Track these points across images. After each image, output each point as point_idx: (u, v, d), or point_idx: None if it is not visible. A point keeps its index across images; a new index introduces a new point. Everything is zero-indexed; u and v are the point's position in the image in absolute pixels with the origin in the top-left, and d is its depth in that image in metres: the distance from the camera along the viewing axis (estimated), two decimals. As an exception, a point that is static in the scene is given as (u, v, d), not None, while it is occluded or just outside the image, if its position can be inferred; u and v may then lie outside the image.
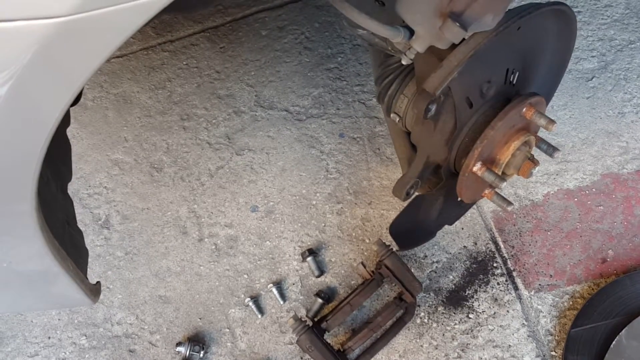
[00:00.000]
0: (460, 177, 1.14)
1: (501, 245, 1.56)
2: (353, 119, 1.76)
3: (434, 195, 1.26)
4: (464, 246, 1.57)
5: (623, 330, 1.34)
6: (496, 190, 1.19)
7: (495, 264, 1.54)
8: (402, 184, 1.16)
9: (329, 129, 1.76)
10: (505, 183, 1.12)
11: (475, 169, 1.13)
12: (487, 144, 1.11)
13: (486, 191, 1.19)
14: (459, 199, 1.21)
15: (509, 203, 1.19)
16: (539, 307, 1.49)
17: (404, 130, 1.24)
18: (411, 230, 1.36)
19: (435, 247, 1.58)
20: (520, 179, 1.63)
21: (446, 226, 1.57)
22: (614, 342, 1.33)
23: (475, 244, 1.57)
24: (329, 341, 1.47)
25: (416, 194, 1.23)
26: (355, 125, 1.75)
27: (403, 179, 1.16)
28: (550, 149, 1.18)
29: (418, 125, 1.14)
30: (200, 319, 1.55)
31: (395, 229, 1.32)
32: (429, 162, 1.16)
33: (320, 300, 1.53)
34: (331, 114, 1.77)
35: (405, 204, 1.26)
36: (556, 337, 1.45)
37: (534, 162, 1.16)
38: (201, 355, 1.49)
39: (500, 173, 1.16)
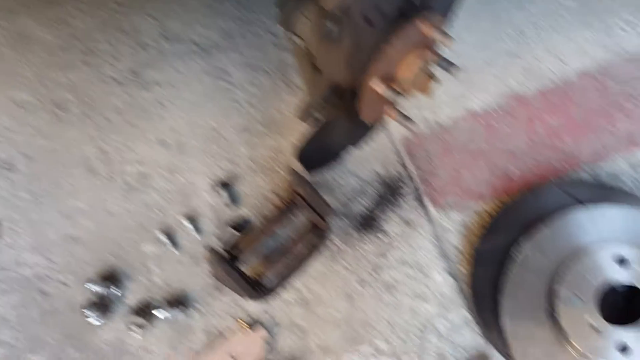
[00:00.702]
0: (360, 96, 1.17)
1: (410, 168, 1.60)
2: (262, 49, 1.76)
3: (339, 117, 1.28)
4: (375, 170, 1.61)
5: (525, 242, 1.40)
6: (398, 108, 1.21)
7: (405, 187, 1.58)
8: (306, 107, 1.17)
9: (238, 60, 1.75)
10: (404, 99, 1.15)
11: (375, 86, 1.15)
12: (384, 61, 1.14)
13: (389, 110, 1.22)
14: (363, 120, 1.23)
15: (412, 121, 1.22)
16: (448, 225, 1.54)
17: (307, 53, 1.25)
18: (317, 153, 1.38)
19: (347, 173, 1.61)
20: (428, 103, 1.67)
21: (358, 153, 1.60)
22: (516, 253, 1.39)
23: (386, 167, 1.61)
24: (244, 271, 1.49)
25: (321, 117, 1.24)
26: (265, 56, 1.75)
27: (307, 102, 1.18)
28: (450, 66, 1.21)
29: (319, 46, 1.16)
30: (113, 257, 1.56)
31: (301, 153, 1.34)
32: (332, 84, 1.18)
33: (234, 232, 1.55)
34: (240, 45, 1.77)
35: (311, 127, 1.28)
36: (464, 253, 1.50)
37: (433, 78, 1.19)
38: (116, 292, 1.49)
39: (399, 90, 1.18)
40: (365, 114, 1.23)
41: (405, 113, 1.29)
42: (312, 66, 1.26)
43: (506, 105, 1.64)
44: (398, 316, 1.49)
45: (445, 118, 1.66)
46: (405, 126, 1.23)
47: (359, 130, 1.43)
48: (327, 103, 1.18)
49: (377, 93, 1.17)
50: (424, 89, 1.20)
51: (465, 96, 1.66)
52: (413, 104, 1.66)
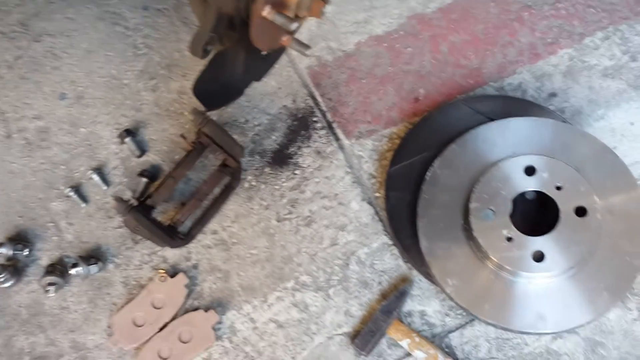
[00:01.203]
0: (251, 24, 1.09)
1: (319, 99, 1.55)
2: (155, -11, 1.65)
3: (235, 49, 1.21)
4: (284, 105, 1.55)
5: (435, 161, 1.37)
6: (293, 35, 1.14)
7: (315, 119, 1.54)
8: (197, 40, 1.10)
9: (131, 2, 1.65)
10: (297, 24, 1.09)
11: (264, 13, 1.08)
12: (272, -14, 1.07)
13: (283, 37, 1.16)
14: (261, 51, 1.16)
15: (307, 47, 1.17)
16: (360, 153, 1.50)
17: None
18: (217, 89, 1.31)
19: (255, 109, 1.55)
20: (332, 32, 1.62)
21: (265, 89, 1.54)
22: (428, 173, 1.36)
23: (294, 101, 1.55)
24: (158, 218, 1.42)
25: (215, 50, 1.17)
26: (159, -4, 1.64)
27: (197, 35, 1.10)
28: (342, -11, 1.15)
29: None
30: (20, 217, 1.47)
31: (199, 90, 1.27)
32: (221, 14, 1.11)
33: (144, 180, 1.48)
34: (132, -14, 1.65)
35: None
36: (379, 179, 1.47)
37: (324, 0, 1.13)
38: (26, 253, 1.41)
39: (292, 16, 1.11)
40: (259, 42, 1.16)
41: (300, 39, 1.22)
42: (201, -3, 1.18)
43: (408, 26, 1.60)
44: (319, 249, 1.47)
45: (350, 45, 1.61)
46: (301, 52, 1.17)
47: (259, 62, 1.37)
48: (217, 34, 1.10)
49: (267, 19, 1.10)
50: (316, 12, 1.14)
51: (368, 21, 1.61)
52: (317, 35, 1.62)
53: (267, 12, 1.09)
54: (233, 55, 1.23)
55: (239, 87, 1.41)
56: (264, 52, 1.23)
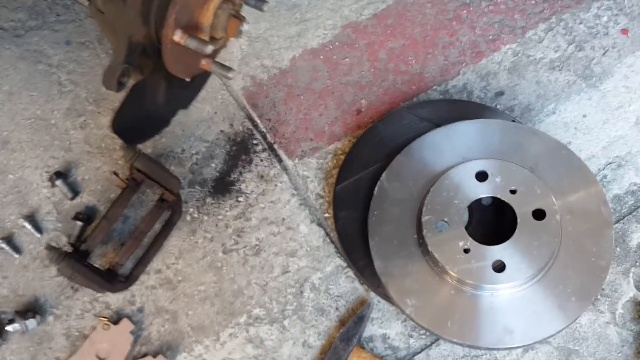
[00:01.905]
0: (163, 51, 0.96)
1: (257, 120, 1.42)
2: (76, 22, 1.53)
3: (153, 79, 1.07)
4: (221, 130, 1.43)
5: (383, 174, 1.24)
6: (213, 58, 1.01)
7: (255, 141, 1.41)
8: (110, 73, 0.97)
9: (52, 38, 1.51)
10: (213, 47, 0.95)
11: (176, 38, 0.94)
12: (181, 8, 0.94)
13: (203, 62, 1.02)
14: (179, 77, 1.03)
15: (229, 69, 1.04)
16: (305, 173, 1.38)
17: (98, 13, 1.02)
18: (139, 122, 1.17)
19: (191, 138, 1.42)
20: (265, 50, 1.50)
21: (199, 115, 1.41)
22: (376, 188, 1.23)
23: (232, 125, 1.42)
24: (97, 262, 1.28)
25: (134, 81, 1.03)
26: (81, 29, 1.52)
27: (110, 67, 0.97)
28: (259, 3, 1.02)
29: (106, 3, 0.93)
30: (-53, 276, 1.30)
31: (119, 125, 1.13)
32: (132, 43, 0.97)
33: (79, 223, 1.35)
34: (51, 22, 1.53)
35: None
36: (326, 199, 1.36)
37: (239, 18, 1.00)
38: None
39: (207, 38, 0.98)
40: (175, 69, 1.03)
41: (222, 62, 1.09)
42: (111, 26, 1.04)
43: (344, 36, 1.48)
44: (270, 278, 1.36)
45: (285, 61, 1.49)
46: (224, 75, 1.04)
47: (183, 89, 1.23)
48: (131, 64, 0.96)
49: (180, 44, 0.96)
50: (233, 33, 1.01)
51: (301, 35, 1.49)
52: (250, 53, 1.51)
53: (178, 36, 0.96)
54: (152, 84, 1.10)
55: (163, 117, 1.27)
56: (188, 79, 1.08)
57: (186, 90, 1.26)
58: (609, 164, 1.36)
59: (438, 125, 1.31)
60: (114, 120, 1.15)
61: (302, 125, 1.43)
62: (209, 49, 0.97)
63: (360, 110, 1.44)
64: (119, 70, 1.00)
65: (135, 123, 1.18)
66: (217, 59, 1.09)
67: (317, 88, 1.46)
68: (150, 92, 1.13)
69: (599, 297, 1.25)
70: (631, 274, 1.26)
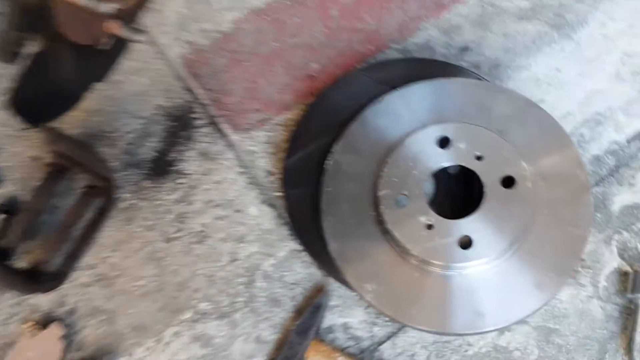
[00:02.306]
0: (55, 11, 0.83)
1: (198, 92, 1.30)
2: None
3: (56, 48, 0.94)
4: (158, 104, 1.31)
5: (335, 146, 1.13)
6: (124, 20, 0.88)
7: (195, 115, 1.30)
8: (3, 42, 0.83)
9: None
10: (111, 6, 0.82)
11: (63, -4, 0.82)
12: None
13: (107, 24, 0.89)
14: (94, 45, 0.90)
15: (139, 31, 0.91)
16: (253, 148, 1.27)
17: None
18: (43, 98, 1.04)
19: (124, 114, 1.30)
20: (205, 12, 1.37)
21: (132, 87, 1.32)
22: (328, 162, 1.13)
23: (169, 98, 1.31)
24: (23, 260, 1.18)
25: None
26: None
27: (3, 36, 0.83)
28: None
29: None
30: None
31: (19, 102, 1.00)
32: (25, 6, 0.84)
33: (2, 216, 1.21)
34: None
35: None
36: (277, 176, 1.23)
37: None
38: None
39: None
40: (73, 34, 0.90)
41: (134, 25, 0.96)
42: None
43: (291, -7, 1.34)
44: (217, 268, 1.26)
45: (227, 24, 1.36)
46: (134, 39, 0.91)
47: (96, 59, 1.10)
48: (25, 31, 0.83)
49: (73, 4, 0.83)
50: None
51: (244, -6, 1.35)
52: (188, 17, 1.39)
53: (68, -6, 0.83)
54: (55, 54, 0.96)
55: (74, 92, 1.14)
56: (102, 46, 0.96)
57: (100, 60, 1.13)
58: (587, 121, 1.25)
59: (396, 88, 1.18)
60: (11, 96, 1.02)
61: (248, 95, 1.32)
62: (106, 7, 0.84)
63: (313, 75, 1.33)
64: (13, 38, 0.87)
65: (39, 99, 1.05)
66: (139, 23, 0.96)
67: (264, 52, 1.34)
68: (54, 62, 1.00)
69: (579, 269, 1.15)
70: (614, 242, 1.17)
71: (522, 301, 1.07)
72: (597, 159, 1.23)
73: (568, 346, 1.13)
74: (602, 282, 1.16)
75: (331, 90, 1.26)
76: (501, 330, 1.13)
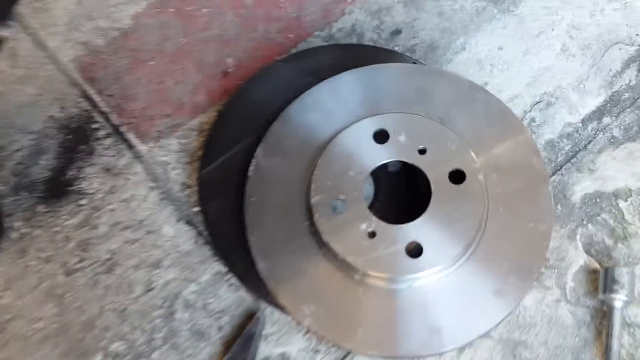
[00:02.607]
0: None
1: (96, 98, 1.14)
2: None
3: None
4: (50, 116, 1.15)
5: (258, 149, 0.97)
6: None
7: (95, 125, 1.13)
8: None
9: None
10: None
11: None
12: None
13: None
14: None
15: (4, 26, 0.73)
16: (165, 158, 1.11)
17: None
18: None
19: (11, 130, 1.13)
20: (99, 7, 1.23)
21: (19, 99, 1.18)
22: (251, 167, 0.96)
23: (63, 108, 1.15)
24: None
25: None
26: None
27: None
28: None
29: None
30: None
31: None
32: None
33: None
34: None
35: None
36: (194, 188, 1.07)
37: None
38: None
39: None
40: None
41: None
42: None
43: (196, -20, 1.19)
44: (130, 300, 1.10)
45: (126, 20, 1.20)
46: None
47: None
48: None
49: None
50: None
51: (143, -15, 1.19)
52: (79, 14, 1.25)
53: None
54: None
55: None
56: None
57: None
58: (536, 103, 1.13)
59: (323, 79, 1.03)
60: None
61: (155, 99, 1.16)
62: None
63: (227, 71, 1.17)
64: None
65: None
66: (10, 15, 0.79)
67: (170, 50, 1.19)
68: None
69: (542, 270, 1.00)
70: (578, 237, 1.04)
71: (483, 312, 0.94)
72: (551, 145, 1.11)
73: (538, 359, 1.00)
74: (569, 283, 1.04)
75: (249, 86, 1.12)
76: (461, 348, 0.99)
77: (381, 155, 0.99)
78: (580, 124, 1.15)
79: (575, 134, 1.14)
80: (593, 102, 1.15)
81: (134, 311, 1.06)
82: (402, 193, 1.06)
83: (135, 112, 1.18)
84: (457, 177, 0.97)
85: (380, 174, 1.02)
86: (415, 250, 0.95)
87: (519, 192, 0.98)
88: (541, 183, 0.99)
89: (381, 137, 1.00)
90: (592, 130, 1.14)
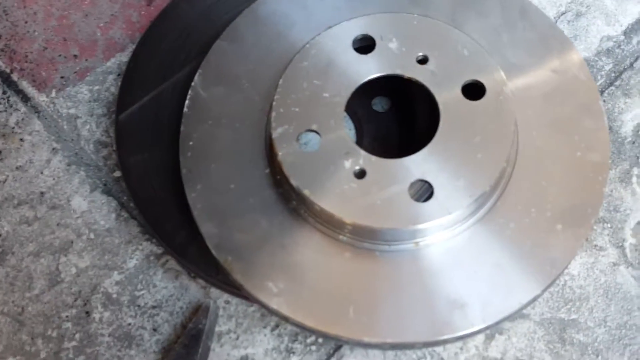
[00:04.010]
0: None
1: (-22, 39, 0.89)
2: None
3: None
4: None
5: (195, 78, 0.74)
6: None
7: (-23, 73, 0.87)
8: None
9: None
10: None
11: None
12: None
13: None
14: None
15: None
16: (72, 110, 0.92)
17: None
18: None
19: None
20: None
21: None
22: (187, 102, 0.72)
23: None
24: None
25: None
26: None
27: None
28: None
29: None
30: None
31: None
32: None
33: None
34: None
35: None
36: (114, 146, 0.82)
37: None
38: None
39: None
40: None
41: None
42: None
43: None
44: (28, 299, 0.87)
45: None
46: None
47: None
48: None
49: None
50: None
51: None
52: None
53: None
54: None
55: None
56: None
57: None
58: (562, 14, 0.91)
59: None
60: None
61: (57, 37, 0.94)
62: None
63: (153, -5, 0.94)
64: None
65: None
66: None
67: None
68: None
69: (594, 226, 0.77)
70: (634, 179, 0.82)
71: (517, 281, 0.69)
72: (588, 64, 0.89)
73: (596, 344, 0.76)
74: (629, 240, 0.81)
75: (179, 2, 0.87)
76: (491, 332, 0.74)
77: (366, 69, 0.77)
78: (623, 37, 0.94)
79: (616, 50, 0.93)
80: (636, 8, 0.93)
81: (34, 313, 0.82)
82: (393, 136, 0.83)
83: (31, 55, 0.95)
84: (473, 91, 0.75)
85: (361, 113, 0.80)
86: (422, 192, 0.71)
87: (558, 111, 0.76)
88: (588, 98, 0.76)
89: (365, 45, 0.76)
90: (638, 44, 0.92)
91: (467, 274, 0.73)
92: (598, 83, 0.91)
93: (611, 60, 0.93)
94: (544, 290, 0.73)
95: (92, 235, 0.87)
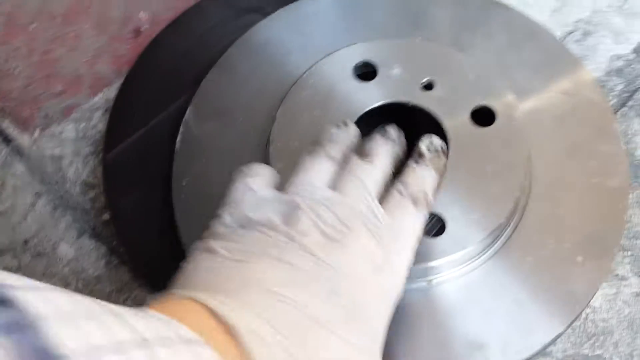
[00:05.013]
0: None
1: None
2: None
3: None
4: None
5: (187, 113, 0.71)
6: None
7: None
8: None
9: None
10: None
11: None
12: None
13: None
14: None
15: None
16: (57, 151, 0.95)
17: None
18: None
19: None
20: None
21: None
22: (179, 138, 0.69)
23: None
24: None
25: None
26: None
27: None
28: None
29: None
30: None
31: None
32: None
33: None
34: None
35: None
36: (101, 187, 0.79)
37: None
38: None
39: None
40: None
41: None
42: None
43: None
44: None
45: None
46: None
47: None
48: None
49: None
50: None
51: None
52: None
53: None
54: None
55: None
56: None
57: None
58: (569, 34, 0.88)
59: (270, 13, 0.79)
60: None
61: (39, 73, 0.94)
62: None
63: (140, 29, 0.94)
64: None
65: None
66: None
67: (59, 8, 0.93)
68: None
69: (615, 254, 0.74)
70: None
71: (538, 319, 0.66)
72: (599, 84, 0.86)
73: None
74: None
75: (166, 34, 0.85)
76: None
77: (368, 97, 0.73)
78: (633, 55, 0.91)
79: (627, 69, 0.90)
80: (644, 26, 0.92)
81: None
82: (399, 166, 0.81)
83: (13, 94, 0.93)
84: (483, 116, 0.72)
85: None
86: (432, 225, 0.67)
87: (572, 136, 0.73)
88: (603, 120, 0.74)
89: (366, 72, 0.74)
90: (648, 62, 0.90)
91: (485, 312, 0.70)
92: (610, 104, 0.88)
93: (622, 80, 0.90)
94: (567, 327, 0.70)
95: (80, 285, 0.83)
